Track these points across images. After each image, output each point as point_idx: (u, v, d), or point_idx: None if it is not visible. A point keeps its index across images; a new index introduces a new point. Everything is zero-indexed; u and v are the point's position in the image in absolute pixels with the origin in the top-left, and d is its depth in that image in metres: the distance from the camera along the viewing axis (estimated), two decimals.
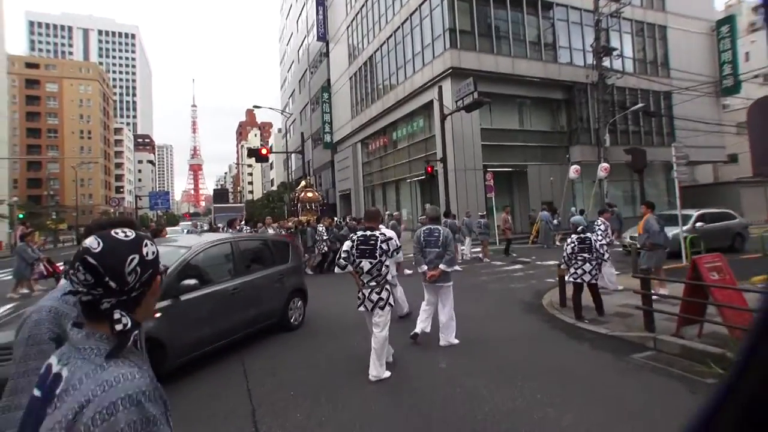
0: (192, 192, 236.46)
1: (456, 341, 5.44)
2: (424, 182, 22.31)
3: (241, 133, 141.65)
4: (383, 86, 26.41)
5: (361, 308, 4.58)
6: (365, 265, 4.51)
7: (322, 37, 36.75)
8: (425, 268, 5.50)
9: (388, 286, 4.61)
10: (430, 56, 20.89)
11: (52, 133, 70.27)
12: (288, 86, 55.35)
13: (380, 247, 4.48)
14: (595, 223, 8.88)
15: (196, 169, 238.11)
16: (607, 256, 8.01)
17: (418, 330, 5.57)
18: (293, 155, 44.17)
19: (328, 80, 37.09)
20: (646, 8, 25.41)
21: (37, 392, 0.94)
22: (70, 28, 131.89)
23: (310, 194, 18.19)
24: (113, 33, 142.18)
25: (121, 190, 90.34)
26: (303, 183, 18.32)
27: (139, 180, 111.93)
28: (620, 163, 19.12)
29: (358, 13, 29.58)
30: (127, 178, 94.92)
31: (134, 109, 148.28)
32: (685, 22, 26.17)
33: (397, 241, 4.70)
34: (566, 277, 6.78)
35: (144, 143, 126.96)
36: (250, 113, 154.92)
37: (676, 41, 25.76)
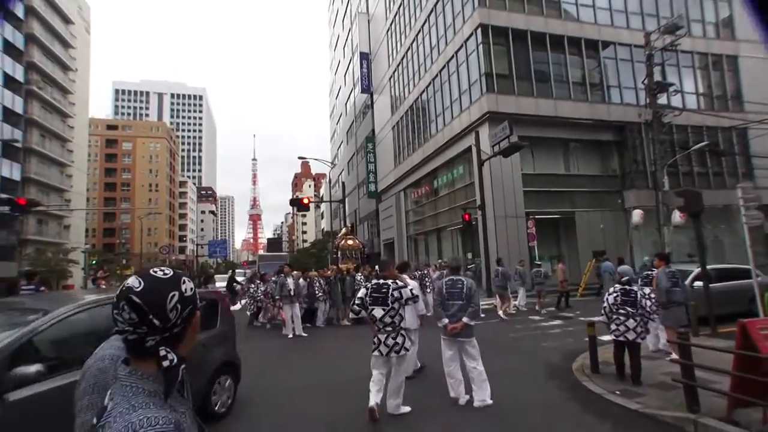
0: (251, 241, 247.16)
1: (491, 401, 4.96)
2: (465, 231, 21.23)
3: (296, 183, 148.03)
4: (424, 134, 26.19)
5: (375, 353, 4.74)
6: (378, 312, 4.75)
7: (367, 89, 37.89)
8: (446, 321, 5.12)
9: (404, 332, 4.77)
10: (468, 102, 20.44)
11: (125, 186, 76.88)
12: (337, 138, 57.35)
13: (392, 294, 4.74)
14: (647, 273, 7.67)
15: (255, 219, 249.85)
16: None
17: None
18: (346, 204, 44.97)
19: (373, 130, 37.80)
20: (710, 38, 23.67)
21: (94, 419, 1.00)
22: (147, 93, 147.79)
23: (350, 242, 17.77)
24: (184, 95, 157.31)
25: (184, 238, 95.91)
26: (343, 231, 17.94)
27: (201, 229, 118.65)
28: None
29: (399, 63, 30.21)
30: (189, 228, 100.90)
31: (200, 164, 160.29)
32: (760, 48, 23.90)
33: (415, 291, 4.97)
34: (607, 335, 5.97)
35: (207, 195, 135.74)
36: (304, 165, 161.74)
37: (750, 70, 23.46)
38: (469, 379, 5.06)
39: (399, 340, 4.70)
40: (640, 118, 19.74)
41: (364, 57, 37.74)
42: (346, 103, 49.46)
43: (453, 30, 21.76)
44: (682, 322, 6.58)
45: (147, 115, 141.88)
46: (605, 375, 5.89)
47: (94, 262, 44.21)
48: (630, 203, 20.58)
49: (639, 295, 5.79)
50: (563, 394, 5.40)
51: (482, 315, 11.94)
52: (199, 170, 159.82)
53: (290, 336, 10.57)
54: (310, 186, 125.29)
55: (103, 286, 12.05)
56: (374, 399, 4.74)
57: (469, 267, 16.71)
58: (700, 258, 9.50)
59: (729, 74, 23.85)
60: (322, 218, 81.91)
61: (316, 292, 12.39)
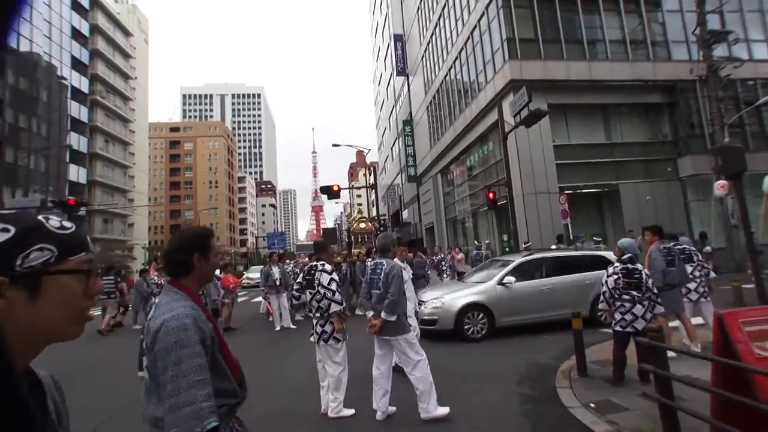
0: (314, 231, 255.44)
1: (443, 412, 4.09)
2: (501, 211, 20.06)
3: (352, 173, 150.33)
4: (454, 112, 25.11)
5: (311, 338, 4.53)
6: (307, 296, 4.53)
7: (402, 71, 37.06)
8: (369, 314, 4.41)
9: (332, 319, 4.36)
10: (492, 72, 19.16)
11: (188, 185, 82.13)
12: (381, 124, 57.03)
13: (317, 278, 4.39)
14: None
15: (317, 210, 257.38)
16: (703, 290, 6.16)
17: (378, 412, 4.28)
18: (377, 189, 44.70)
19: (410, 113, 37.00)
20: None
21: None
22: (211, 96, 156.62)
23: (363, 225, 17.43)
24: (243, 95, 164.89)
25: (245, 232, 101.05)
26: (357, 214, 17.70)
27: (263, 222, 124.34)
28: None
29: (429, 42, 29.14)
30: (249, 221, 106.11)
31: (260, 159, 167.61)
32: None
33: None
34: (612, 325, 4.93)
35: (267, 189, 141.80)
36: (359, 154, 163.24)
37: None
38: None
39: (327, 328, 4.32)
40: (692, 73, 17.42)
41: (398, 39, 36.88)
42: (387, 89, 48.86)
43: None
44: (678, 308, 5.58)
45: (211, 116, 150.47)
46: (594, 379, 4.99)
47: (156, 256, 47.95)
48: (686, 171, 18.36)
49: (644, 275, 4.76)
50: (522, 406, 4.47)
51: None
52: (260, 165, 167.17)
53: (278, 328, 10.23)
54: (364, 175, 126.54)
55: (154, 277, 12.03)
56: (323, 401, 4.42)
57: (478, 244, 15.65)
58: (745, 232, 7.91)
59: None
60: (373, 206, 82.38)
61: None
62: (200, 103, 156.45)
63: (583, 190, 18.51)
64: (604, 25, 18.64)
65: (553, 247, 14.08)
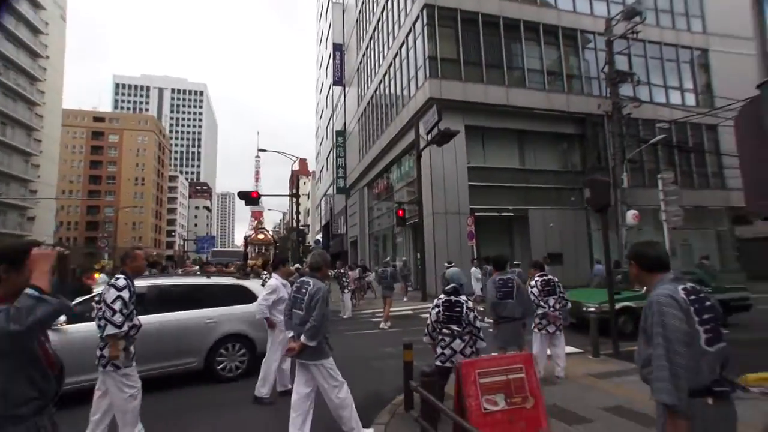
0: (252, 237, 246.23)
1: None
2: (417, 229, 19.78)
3: (292, 180, 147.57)
4: (381, 126, 24.80)
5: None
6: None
7: (339, 81, 36.58)
8: (290, 334, 4.03)
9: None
10: (415, 89, 19.01)
11: (111, 180, 75.96)
12: (319, 133, 56.12)
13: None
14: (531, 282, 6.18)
15: (257, 216, 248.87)
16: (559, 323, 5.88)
17: None
18: (310, 201, 43.43)
19: (344, 124, 36.49)
20: (679, 30, 22.09)
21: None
22: (148, 88, 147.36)
23: (260, 236, 16.42)
24: (184, 91, 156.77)
25: (173, 233, 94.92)
26: (255, 223, 16.58)
27: (195, 225, 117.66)
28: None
29: (363, 53, 28.86)
30: (179, 223, 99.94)
31: (198, 159, 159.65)
32: (731, 43, 22.40)
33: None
34: (434, 358, 4.51)
35: (202, 191, 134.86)
36: (302, 162, 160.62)
37: (720, 65, 21.90)
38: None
39: (105, 351, 3.79)
40: (599, 108, 18.27)
41: (338, 48, 36.45)
42: (326, 98, 48.21)
43: (405, 13, 20.36)
44: (516, 342, 5.19)
45: (147, 109, 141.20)
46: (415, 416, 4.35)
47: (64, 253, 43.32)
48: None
49: (465, 309, 4.35)
50: None
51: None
52: (198, 166, 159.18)
53: None
54: (305, 183, 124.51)
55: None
56: None
57: (385, 261, 15.22)
58: (606, 263, 7.82)
59: (699, 67, 22.30)
60: (308, 215, 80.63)
61: None
62: (135, 95, 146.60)
63: (493, 213, 18.64)
64: (524, 54, 19.21)
65: (473, 270, 13.87)
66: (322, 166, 51.11)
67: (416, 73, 18.89)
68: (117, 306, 3.77)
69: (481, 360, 2.50)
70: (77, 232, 73.62)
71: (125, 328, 3.77)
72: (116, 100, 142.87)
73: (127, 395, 3.77)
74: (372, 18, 26.72)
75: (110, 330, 3.74)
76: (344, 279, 14.31)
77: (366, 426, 4.25)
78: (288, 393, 4.55)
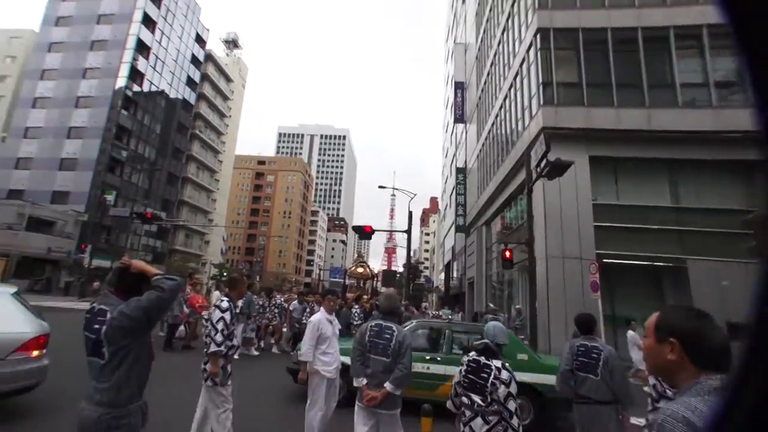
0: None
1: None
2: (533, 273, 17.38)
3: (424, 219, 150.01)
4: (498, 161, 23.15)
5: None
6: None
7: (460, 118, 36.02)
8: (363, 381, 3.68)
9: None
10: (528, 119, 17.20)
11: (266, 213, 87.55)
12: (444, 171, 56.00)
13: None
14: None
15: (390, 252, 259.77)
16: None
17: None
18: (411, 235, 42.70)
19: (465, 161, 35.51)
20: None
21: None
22: (302, 135, 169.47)
23: (360, 270, 16.04)
24: (330, 136, 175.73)
25: (311, 263, 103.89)
26: (356, 257, 16.45)
27: (332, 256, 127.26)
28: None
29: (482, 89, 27.86)
30: (317, 254, 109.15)
31: (339, 196, 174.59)
32: None
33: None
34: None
35: (339, 225, 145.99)
36: (432, 200, 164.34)
37: None
38: None
39: (207, 366, 4.29)
40: None
41: (459, 86, 36.13)
42: (451, 136, 48.10)
43: (519, 41, 18.94)
44: None
45: (300, 153, 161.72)
46: None
47: (225, 274, 50.78)
48: None
49: (493, 377, 2.97)
50: None
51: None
52: (338, 202, 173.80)
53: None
54: (434, 221, 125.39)
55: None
56: None
57: (493, 309, 13.23)
58: None
59: None
60: (433, 253, 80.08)
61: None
62: (293, 141, 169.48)
63: (633, 262, 15.22)
64: (675, 67, 15.73)
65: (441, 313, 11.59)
66: (446, 204, 50.49)
67: (530, 102, 17.10)
68: (219, 326, 4.14)
69: None
70: (239, 255, 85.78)
71: (223, 348, 4.08)
72: (278, 147, 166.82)
73: (219, 411, 4.09)
74: (489, 52, 25.74)
75: (212, 348, 4.12)
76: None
77: None
78: None
